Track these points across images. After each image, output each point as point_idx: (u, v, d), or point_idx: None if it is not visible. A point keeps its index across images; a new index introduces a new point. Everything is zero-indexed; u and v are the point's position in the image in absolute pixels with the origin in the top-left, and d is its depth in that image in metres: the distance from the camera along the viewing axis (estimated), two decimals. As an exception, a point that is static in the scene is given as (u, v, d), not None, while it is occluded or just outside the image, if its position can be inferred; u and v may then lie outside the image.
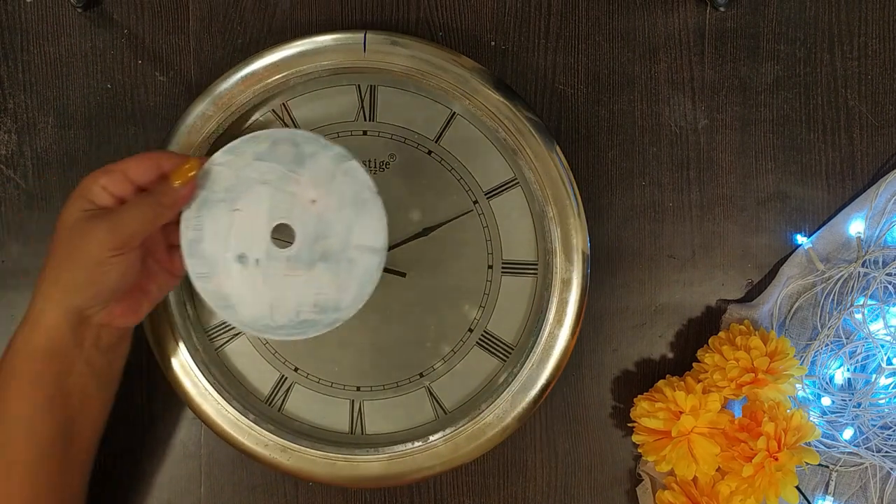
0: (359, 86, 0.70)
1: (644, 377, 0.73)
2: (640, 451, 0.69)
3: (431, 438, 0.67)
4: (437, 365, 0.70)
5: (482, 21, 0.73)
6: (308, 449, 0.68)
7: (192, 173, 0.58)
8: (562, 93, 0.73)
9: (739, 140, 0.73)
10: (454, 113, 0.70)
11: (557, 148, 0.68)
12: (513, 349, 0.70)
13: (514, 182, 0.70)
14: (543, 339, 0.67)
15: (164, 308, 0.67)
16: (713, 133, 0.73)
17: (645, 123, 0.73)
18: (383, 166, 0.70)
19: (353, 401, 0.71)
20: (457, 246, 0.70)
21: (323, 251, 0.59)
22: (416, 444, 0.68)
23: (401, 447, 0.68)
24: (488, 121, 0.68)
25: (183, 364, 0.68)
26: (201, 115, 0.67)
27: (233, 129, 0.69)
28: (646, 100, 0.73)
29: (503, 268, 0.70)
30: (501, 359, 0.70)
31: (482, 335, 0.70)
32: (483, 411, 0.67)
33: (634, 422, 0.69)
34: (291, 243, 0.59)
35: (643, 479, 0.72)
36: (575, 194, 0.68)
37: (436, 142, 0.70)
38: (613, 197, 0.73)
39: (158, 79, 0.73)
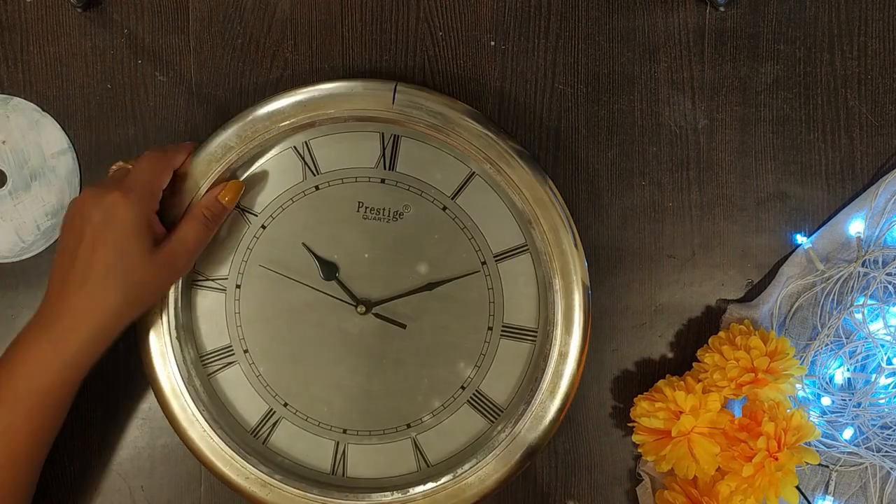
0: (382, 134, 0.70)
1: (644, 377, 0.73)
2: (640, 450, 0.69)
3: (411, 491, 0.67)
4: (426, 418, 0.70)
5: (482, 21, 0.73)
6: (287, 486, 0.67)
7: (241, 190, 0.68)
8: (562, 92, 0.73)
9: (739, 140, 0.73)
10: (473, 173, 0.70)
11: (572, 223, 0.68)
12: (502, 412, 0.70)
13: (524, 248, 0.70)
14: (534, 407, 0.67)
15: (160, 330, 0.68)
16: (713, 133, 0.73)
17: (645, 123, 0.73)
18: (397, 216, 0.70)
19: (338, 442, 0.70)
20: (459, 304, 0.70)
21: (30, 173, 0.72)
22: (395, 494, 0.68)
23: (378, 495, 0.68)
24: (507, 188, 0.67)
25: (173, 387, 0.68)
26: (223, 144, 0.67)
27: (253, 161, 0.70)
28: (646, 100, 0.73)
29: (503, 331, 0.70)
30: (490, 420, 0.70)
31: (474, 394, 0.70)
32: (466, 470, 0.67)
33: (634, 422, 0.69)
34: (6, 182, 0.72)
35: (643, 479, 0.72)
36: (582, 270, 0.67)
37: (452, 199, 0.70)
38: (613, 197, 0.73)
39: (158, 79, 0.73)
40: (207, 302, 0.70)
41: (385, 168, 0.70)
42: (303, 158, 0.70)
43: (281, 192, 0.70)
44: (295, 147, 0.70)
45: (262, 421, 0.70)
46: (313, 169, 0.70)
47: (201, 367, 0.70)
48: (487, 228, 0.70)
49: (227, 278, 0.70)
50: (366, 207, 0.70)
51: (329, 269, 0.69)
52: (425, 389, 0.70)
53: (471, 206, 0.70)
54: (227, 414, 0.70)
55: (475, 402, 0.70)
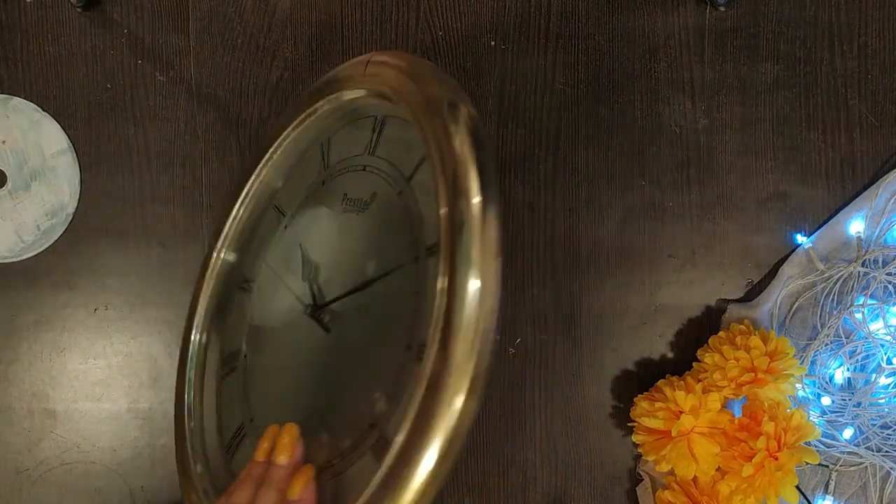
0: (375, 118, 0.61)
1: (644, 377, 0.73)
2: (640, 450, 0.69)
3: None
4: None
5: (482, 21, 0.73)
6: None
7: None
8: (562, 92, 0.73)
9: (739, 140, 0.73)
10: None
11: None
12: None
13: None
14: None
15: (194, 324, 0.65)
16: (713, 133, 0.73)
17: (645, 123, 0.73)
18: (365, 206, 0.59)
19: None
20: (384, 303, 0.55)
21: (30, 173, 0.72)
22: None
23: None
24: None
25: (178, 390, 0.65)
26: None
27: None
28: (646, 99, 0.73)
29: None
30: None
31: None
32: None
33: (634, 422, 0.69)
34: (6, 182, 0.72)
35: (643, 479, 0.72)
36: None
37: (408, 182, 0.56)
38: (613, 197, 0.73)
39: (158, 79, 0.73)
40: (236, 303, 0.67)
41: (369, 154, 0.61)
42: (322, 154, 0.66)
43: (303, 190, 0.66)
44: (321, 144, 0.65)
45: (233, 437, 0.62)
46: (326, 163, 0.65)
47: (220, 369, 0.66)
48: (429, 214, 0.54)
49: (255, 281, 0.66)
50: (347, 199, 0.61)
51: (307, 269, 0.61)
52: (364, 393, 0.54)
53: (420, 188, 0.55)
54: (212, 425, 0.64)
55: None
